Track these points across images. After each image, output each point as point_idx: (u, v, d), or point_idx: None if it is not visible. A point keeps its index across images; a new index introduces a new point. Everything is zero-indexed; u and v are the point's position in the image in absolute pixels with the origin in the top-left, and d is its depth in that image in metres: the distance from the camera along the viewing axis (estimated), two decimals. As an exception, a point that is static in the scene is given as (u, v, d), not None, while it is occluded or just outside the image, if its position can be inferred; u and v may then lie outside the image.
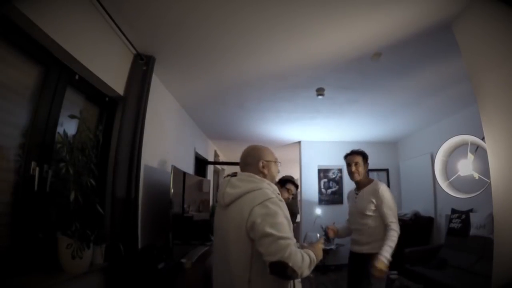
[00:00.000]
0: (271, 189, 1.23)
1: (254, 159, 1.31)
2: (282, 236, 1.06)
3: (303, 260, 1.07)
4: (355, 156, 2.18)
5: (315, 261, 1.15)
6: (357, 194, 2.19)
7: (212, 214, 4.41)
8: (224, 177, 1.34)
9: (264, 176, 1.30)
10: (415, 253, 3.72)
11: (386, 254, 1.85)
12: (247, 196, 1.16)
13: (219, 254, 1.25)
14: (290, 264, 1.02)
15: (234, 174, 1.28)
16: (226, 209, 1.21)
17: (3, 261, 1.28)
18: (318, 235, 1.49)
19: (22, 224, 1.38)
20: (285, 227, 1.10)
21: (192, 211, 3.20)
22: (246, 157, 1.33)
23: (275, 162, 1.35)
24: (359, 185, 2.19)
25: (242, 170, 1.33)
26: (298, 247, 1.14)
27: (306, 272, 1.08)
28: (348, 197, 2.36)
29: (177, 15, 1.87)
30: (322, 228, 1.58)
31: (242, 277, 1.11)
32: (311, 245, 1.29)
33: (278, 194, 1.24)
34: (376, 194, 2.03)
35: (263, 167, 1.30)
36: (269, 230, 1.05)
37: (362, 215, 2.08)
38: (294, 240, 1.11)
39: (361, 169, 2.16)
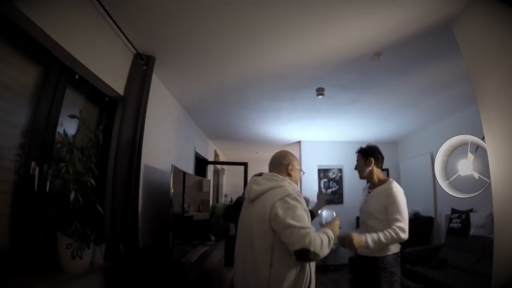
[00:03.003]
0: (291, 187, 1.41)
1: (285, 161, 1.52)
2: (302, 226, 1.22)
3: (322, 242, 1.24)
4: (357, 155, 2.15)
5: (333, 238, 1.36)
6: (369, 193, 2.06)
7: (212, 213, 4.41)
8: (252, 177, 1.52)
9: (290, 177, 1.52)
10: (415, 253, 3.72)
11: (370, 237, 1.73)
12: (270, 193, 1.34)
13: (242, 242, 1.41)
14: (312, 249, 1.19)
15: (260, 174, 1.48)
16: (252, 204, 1.40)
17: (3, 261, 1.28)
18: (334, 213, 1.64)
19: (22, 224, 1.38)
20: (304, 218, 1.27)
21: (192, 211, 3.20)
22: (278, 158, 1.55)
23: (300, 170, 1.60)
24: (372, 184, 2.08)
25: (271, 170, 1.54)
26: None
27: (327, 251, 1.26)
28: (363, 191, 2.21)
29: (177, 15, 1.87)
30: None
31: (265, 262, 1.26)
32: (330, 224, 1.51)
33: (298, 191, 1.43)
34: (387, 194, 1.89)
35: (291, 169, 1.52)
36: (290, 221, 1.22)
37: (370, 216, 1.96)
38: (313, 228, 1.26)
39: (363, 167, 2.07)
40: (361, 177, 2.12)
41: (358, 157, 2.14)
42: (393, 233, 1.76)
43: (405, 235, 1.78)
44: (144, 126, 2.19)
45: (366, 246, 1.74)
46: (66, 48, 1.51)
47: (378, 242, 1.74)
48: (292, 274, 1.27)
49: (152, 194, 2.62)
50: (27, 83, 1.47)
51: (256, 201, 1.37)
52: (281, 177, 1.45)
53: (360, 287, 2.06)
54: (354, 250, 1.95)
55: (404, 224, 1.80)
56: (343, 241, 1.78)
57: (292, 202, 1.29)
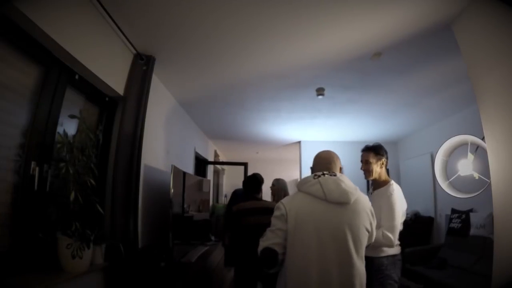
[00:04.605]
0: None
1: (339, 163, 1.54)
2: None
3: None
4: (365, 154, 1.95)
5: None
6: (371, 194, 1.96)
7: (212, 213, 4.40)
8: (315, 177, 1.39)
9: None
10: (415, 253, 3.72)
11: None
12: (361, 196, 1.40)
13: (334, 247, 1.30)
14: None
15: (334, 174, 1.41)
16: (343, 206, 1.32)
17: (3, 261, 1.28)
18: None
19: (22, 224, 1.38)
20: None
21: (192, 211, 3.20)
22: (331, 158, 1.52)
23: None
24: (375, 185, 1.96)
25: (328, 168, 1.46)
26: None
27: None
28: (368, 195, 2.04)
29: (177, 15, 1.87)
30: None
31: (363, 260, 1.39)
32: None
33: None
34: (386, 199, 1.79)
35: (340, 169, 1.53)
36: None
37: None
38: None
39: (374, 167, 1.90)
40: (368, 178, 1.95)
41: (367, 156, 1.93)
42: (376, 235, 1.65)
43: (388, 243, 1.71)
44: (144, 126, 2.19)
45: None
46: (66, 48, 1.51)
47: None
48: None
49: (152, 194, 2.62)
50: (27, 83, 1.47)
51: (353, 204, 1.33)
52: None
53: None
54: None
55: (392, 234, 1.71)
56: None
57: None
